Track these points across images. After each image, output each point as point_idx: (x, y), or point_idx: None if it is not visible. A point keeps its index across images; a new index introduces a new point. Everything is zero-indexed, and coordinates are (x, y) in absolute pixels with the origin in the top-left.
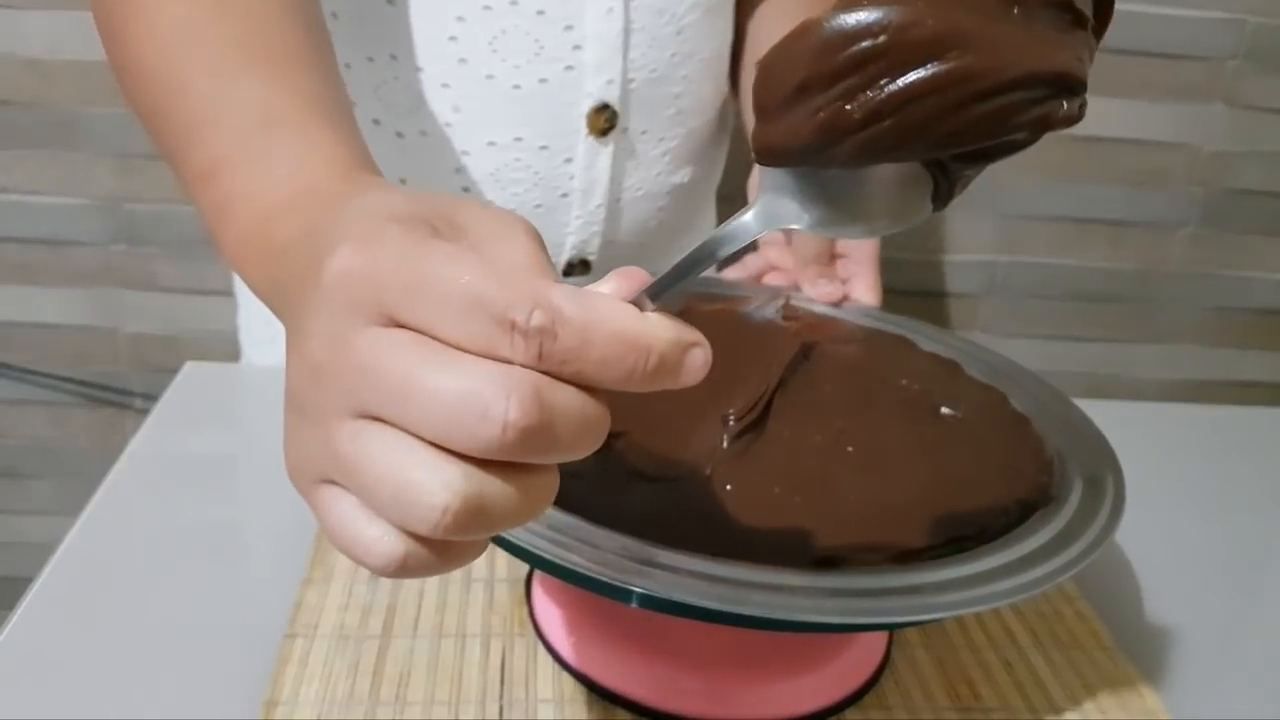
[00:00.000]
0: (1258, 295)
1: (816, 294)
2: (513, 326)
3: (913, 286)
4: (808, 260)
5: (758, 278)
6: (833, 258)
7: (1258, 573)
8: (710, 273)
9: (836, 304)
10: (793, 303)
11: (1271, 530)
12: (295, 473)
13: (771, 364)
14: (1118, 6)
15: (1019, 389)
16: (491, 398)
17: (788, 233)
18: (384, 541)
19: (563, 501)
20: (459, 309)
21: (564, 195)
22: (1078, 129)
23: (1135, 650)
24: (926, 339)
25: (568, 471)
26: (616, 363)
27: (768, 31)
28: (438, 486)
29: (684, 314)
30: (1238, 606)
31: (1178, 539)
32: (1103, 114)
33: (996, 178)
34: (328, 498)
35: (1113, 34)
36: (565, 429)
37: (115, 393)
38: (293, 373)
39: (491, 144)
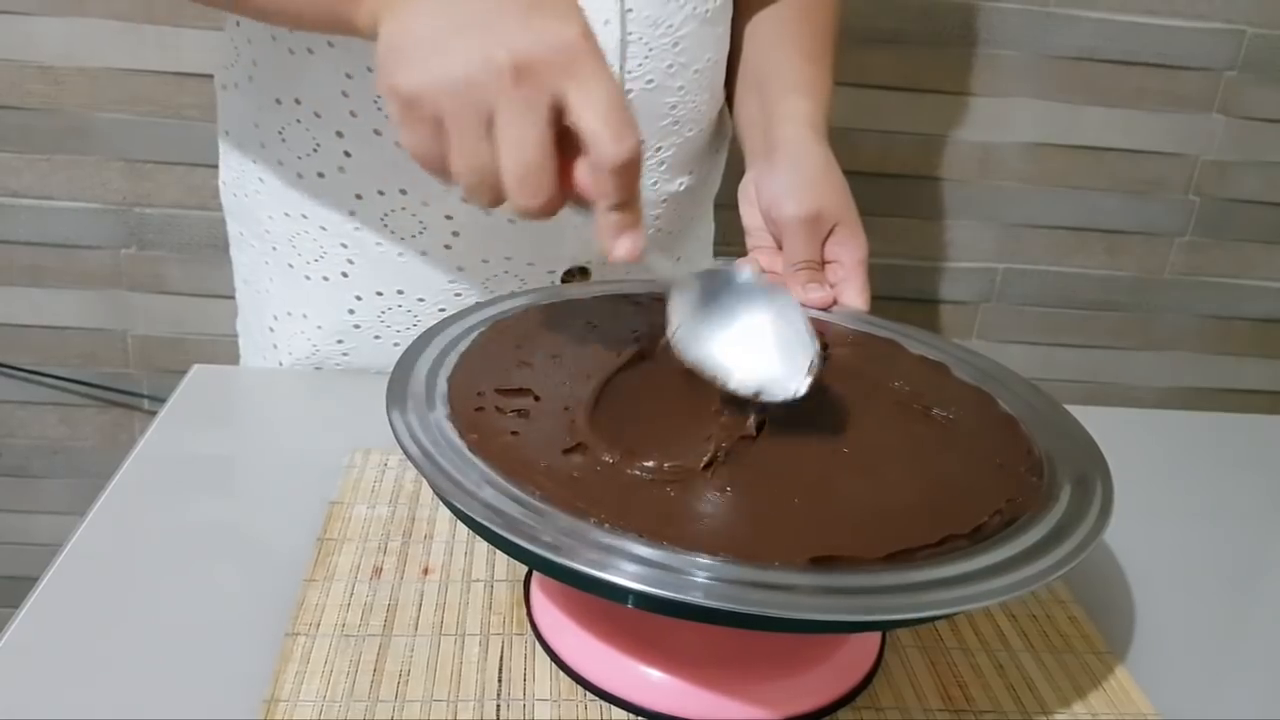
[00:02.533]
0: (1254, 304)
1: (806, 299)
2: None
3: (911, 293)
4: (797, 265)
5: None
6: (822, 263)
7: (1252, 579)
8: None
9: (826, 308)
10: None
11: (1266, 537)
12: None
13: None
14: (1118, 17)
15: (1006, 391)
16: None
17: (778, 237)
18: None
19: (561, 503)
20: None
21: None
22: (1077, 137)
23: (1128, 654)
24: (914, 342)
25: (568, 474)
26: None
27: (762, 40)
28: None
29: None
30: (1231, 612)
31: (1172, 544)
32: (1101, 123)
33: (996, 185)
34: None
35: (1112, 44)
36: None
37: (123, 394)
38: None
39: None
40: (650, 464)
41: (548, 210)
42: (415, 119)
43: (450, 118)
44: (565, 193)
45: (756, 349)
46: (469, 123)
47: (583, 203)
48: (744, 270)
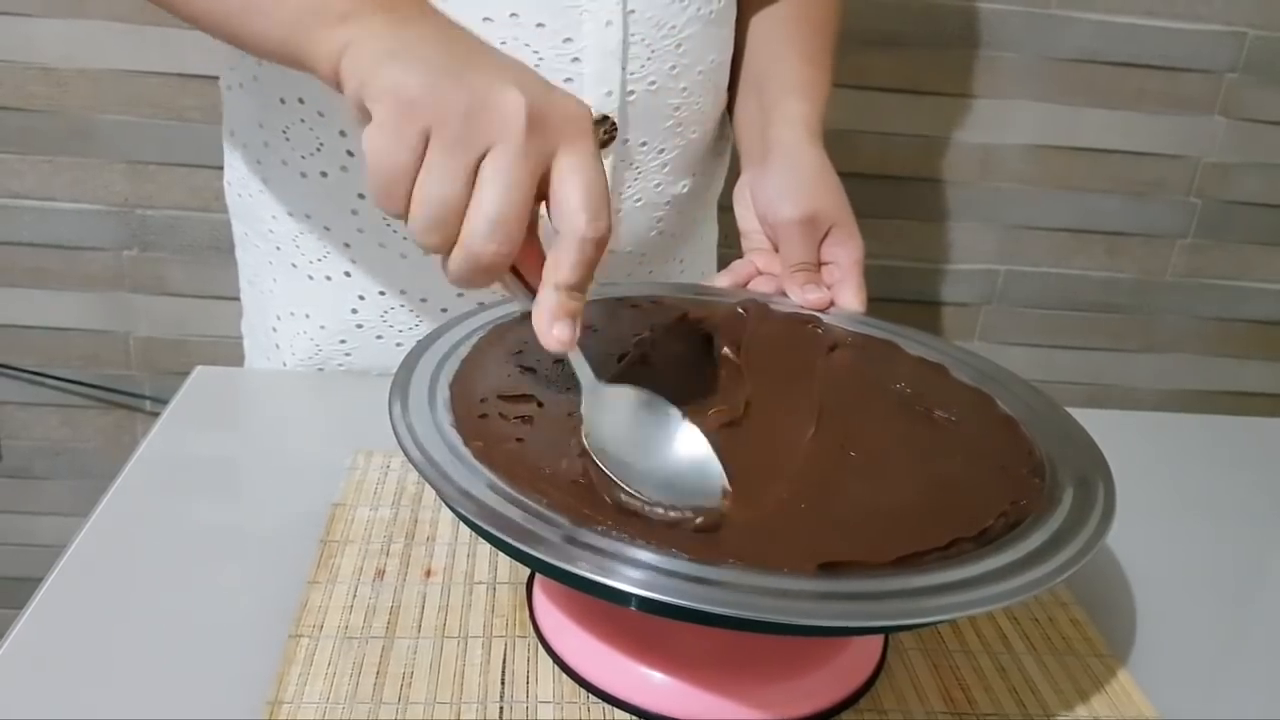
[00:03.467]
0: (1255, 305)
1: (803, 300)
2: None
3: (912, 295)
4: (794, 266)
5: (745, 284)
6: (819, 264)
7: (1253, 582)
8: (697, 277)
9: (823, 310)
10: (778, 309)
11: (1268, 539)
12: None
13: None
14: (1118, 19)
15: (1005, 391)
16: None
17: (774, 239)
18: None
19: (566, 509)
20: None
21: None
22: (1078, 139)
23: (1129, 656)
24: (911, 343)
25: (572, 480)
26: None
27: (760, 41)
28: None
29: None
30: (1233, 615)
31: (1173, 547)
32: (1102, 125)
33: (996, 187)
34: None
35: (1113, 46)
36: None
37: (126, 395)
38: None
39: None
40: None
41: (493, 270)
42: (404, 124)
43: (443, 138)
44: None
45: (665, 471)
46: (462, 147)
47: (520, 284)
48: (657, 398)
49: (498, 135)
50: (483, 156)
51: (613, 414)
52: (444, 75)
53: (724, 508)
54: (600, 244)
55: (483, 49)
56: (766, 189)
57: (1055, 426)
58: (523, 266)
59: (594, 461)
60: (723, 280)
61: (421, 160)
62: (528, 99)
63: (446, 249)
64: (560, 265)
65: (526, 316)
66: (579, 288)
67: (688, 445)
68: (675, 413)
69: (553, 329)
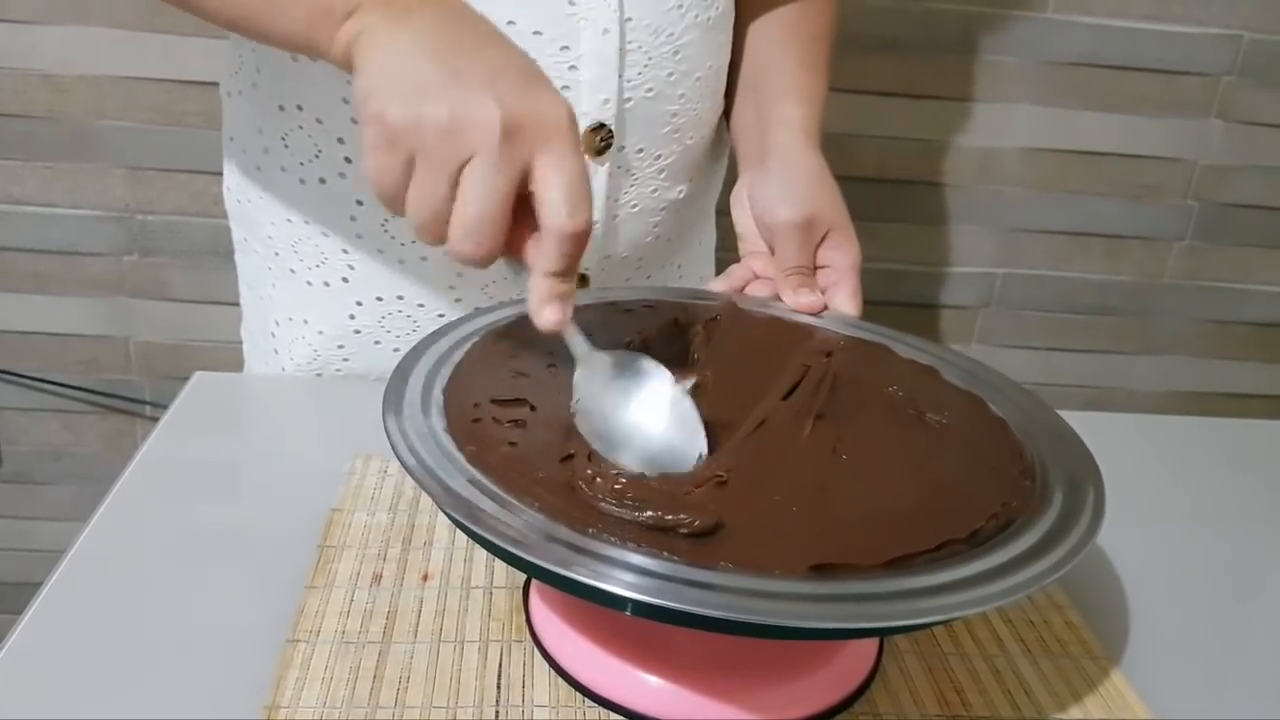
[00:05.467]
0: (1253, 308)
1: (796, 303)
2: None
3: (911, 298)
4: (789, 270)
5: (741, 288)
6: (814, 268)
7: (1249, 584)
8: (695, 282)
9: (816, 314)
10: (772, 313)
11: (1264, 542)
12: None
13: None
14: (1116, 23)
15: (995, 394)
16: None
17: (771, 243)
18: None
19: (560, 513)
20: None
21: None
22: (1076, 142)
23: (1124, 659)
24: (903, 346)
25: (566, 483)
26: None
27: (757, 45)
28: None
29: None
30: (1228, 617)
31: (1169, 549)
32: (1100, 128)
33: (995, 191)
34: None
35: (1111, 49)
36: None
37: (126, 400)
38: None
39: None
40: (649, 470)
41: (482, 262)
42: (391, 150)
43: (426, 156)
44: (510, 250)
45: (648, 431)
46: (442, 165)
47: (521, 263)
48: (648, 360)
49: (475, 147)
50: (465, 163)
51: (601, 380)
52: (427, 96)
53: (702, 473)
54: (582, 236)
55: (476, 37)
56: (764, 193)
57: (1045, 428)
58: (524, 249)
59: (577, 432)
60: (719, 285)
61: (410, 177)
62: (503, 110)
63: (442, 244)
64: (545, 257)
65: (522, 320)
66: (565, 274)
67: (671, 406)
68: (662, 374)
69: (543, 311)
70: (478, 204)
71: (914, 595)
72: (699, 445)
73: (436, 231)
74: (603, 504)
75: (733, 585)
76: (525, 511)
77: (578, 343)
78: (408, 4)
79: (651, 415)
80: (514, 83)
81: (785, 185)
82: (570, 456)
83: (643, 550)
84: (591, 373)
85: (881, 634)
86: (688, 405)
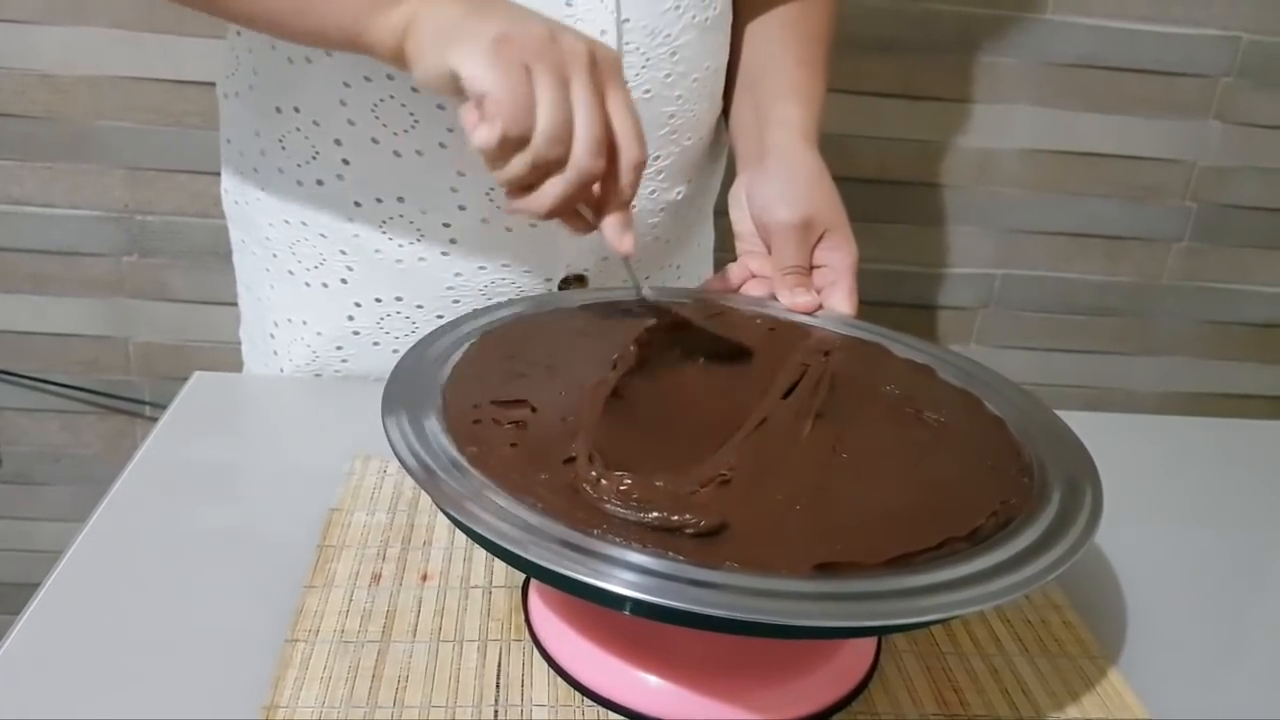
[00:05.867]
0: (1252, 309)
1: (793, 303)
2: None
3: (910, 298)
4: (785, 270)
5: (738, 287)
6: (811, 268)
7: (1247, 584)
8: (693, 282)
9: (811, 313)
10: (769, 313)
11: (1262, 542)
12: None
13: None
14: (1115, 24)
15: (991, 392)
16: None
17: (768, 242)
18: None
19: (562, 514)
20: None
21: None
22: (1075, 144)
23: (1122, 658)
24: (898, 345)
25: (568, 485)
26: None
27: (755, 45)
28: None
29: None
30: (1226, 617)
31: (1167, 549)
32: (1099, 130)
33: (994, 192)
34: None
35: (1109, 51)
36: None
37: (125, 401)
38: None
39: None
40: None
41: (598, 178)
42: (508, 58)
43: (543, 64)
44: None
45: None
46: (558, 74)
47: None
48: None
49: (573, 66)
50: (566, 84)
51: None
52: (514, 18)
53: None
54: (643, 166)
55: (530, 11)
56: (762, 192)
57: (1041, 425)
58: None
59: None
60: (716, 284)
61: (531, 87)
62: (582, 41)
63: (566, 161)
64: (625, 186)
65: (521, 321)
66: (628, 204)
67: None
68: None
69: (625, 238)
70: (596, 120)
71: (916, 594)
72: None
73: (562, 148)
74: (607, 505)
75: (736, 584)
76: (530, 513)
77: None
78: None
79: None
80: (574, 34)
81: (784, 186)
82: (572, 459)
83: (648, 550)
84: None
85: (886, 632)
86: None
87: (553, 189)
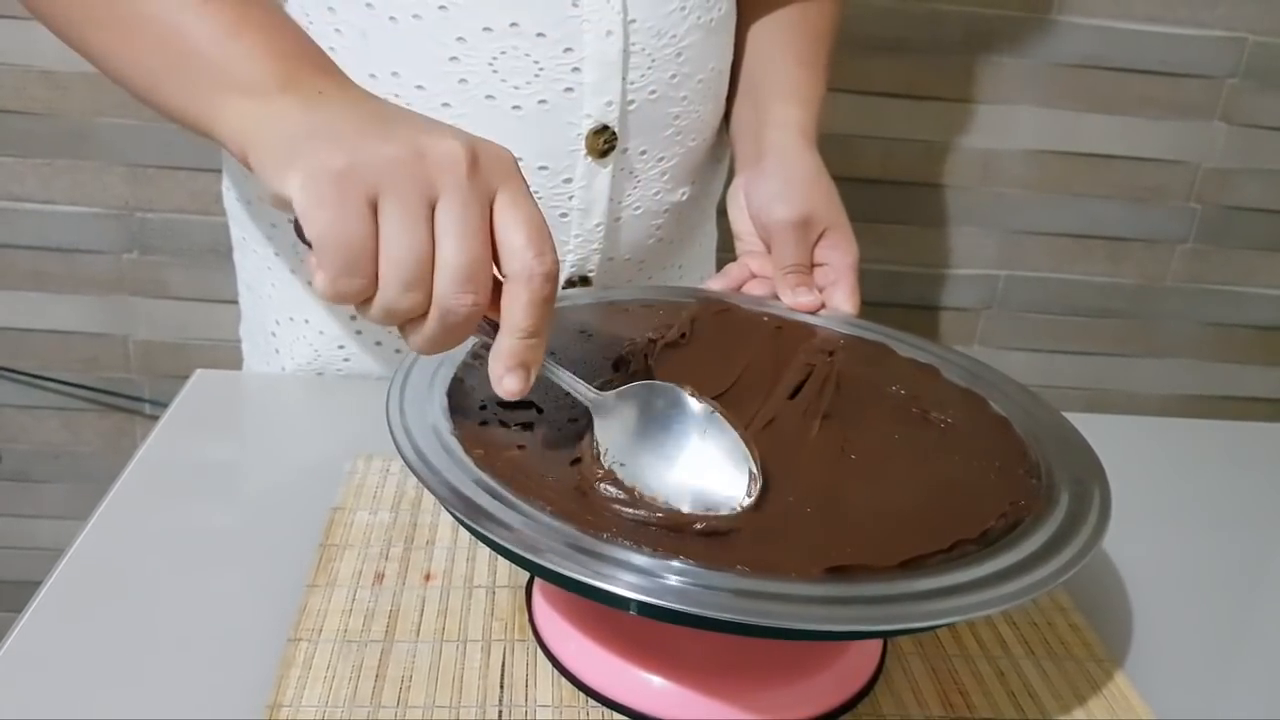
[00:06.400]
0: (1255, 311)
1: (795, 303)
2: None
3: (913, 299)
4: (786, 269)
5: (738, 287)
6: (812, 267)
7: (1252, 586)
8: (696, 283)
9: (813, 312)
10: (773, 311)
11: (1267, 545)
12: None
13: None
14: (1120, 25)
15: (996, 392)
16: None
17: (768, 242)
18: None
19: (569, 516)
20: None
21: (563, 215)
22: (1079, 144)
23: (1128, 661)
24: (901, 345)
25: (575, 486)
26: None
27: (757, 45)
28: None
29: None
30: (1231, 619)
31: (1172, 552)
32: (1103, 131)
33: (998, 193)
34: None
35: (1114, 52)
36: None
37: (126, 399)
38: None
39: None
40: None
41: (474, 317)
42: (344, 199)
43: (392, 190)
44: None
45: (694, 469)
46: (415, 200)
47: (489, 329)
48: (664, 385)
49: (442, 182)
50: (434, 205)
51: (624, 428)
52: (367, 136)
53: (746, 504)
54: (552, 279)
55: (402, 112)
56: (760, 192)
57: (1046, 425)
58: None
59: (616, 481)
60: (716, 284)
61: (375, 226)
62: (464, 144)
63: (425, 308)
64: (515, 309)
65: None
66: (536, 332)
67: (711, 438)
68: (692, 405)
69: (504, 380)
70: (464, 246)
71: (928, 597)
72: (748, 466)
73: (424, 287)
74: (615, 507)
75: (746, 588)
76: (539, 515)
77: (580, 391)
78: (319, 87)
79: (696, 455)
80: (453, 128)
81: (781, 184)
82: (579, 460)
83: (657, 553)
84: (609, 421)
85: (896, 635)
86: (726, 430)
87: (416, 341)
